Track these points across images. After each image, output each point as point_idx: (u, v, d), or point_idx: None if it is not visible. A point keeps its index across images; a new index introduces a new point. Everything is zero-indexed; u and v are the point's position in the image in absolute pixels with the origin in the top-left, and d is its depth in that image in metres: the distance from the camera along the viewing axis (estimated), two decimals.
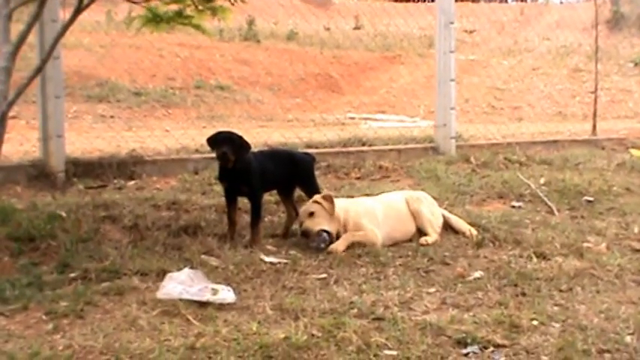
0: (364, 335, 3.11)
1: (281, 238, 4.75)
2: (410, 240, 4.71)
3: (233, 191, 4.64)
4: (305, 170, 4.95)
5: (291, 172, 4.87)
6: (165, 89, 12.25)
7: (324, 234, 4.46)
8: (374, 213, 4.66)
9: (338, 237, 4.53)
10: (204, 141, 4.65)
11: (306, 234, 4.49)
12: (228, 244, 4.43)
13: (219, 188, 4.92)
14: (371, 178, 6.48)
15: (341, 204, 4.63)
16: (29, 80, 4.22)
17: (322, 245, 4.43)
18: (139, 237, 4.53)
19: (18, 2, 4.21)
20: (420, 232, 4.78)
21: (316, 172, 5.22)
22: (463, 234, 4.82)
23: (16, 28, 4.12)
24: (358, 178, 6.47)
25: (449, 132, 7.50)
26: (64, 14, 5.34)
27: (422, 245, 4.58)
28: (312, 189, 4.88)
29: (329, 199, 4.53)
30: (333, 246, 4.40)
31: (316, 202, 4.51)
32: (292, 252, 4.40)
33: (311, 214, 4.49)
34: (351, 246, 4.43)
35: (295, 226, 4.82)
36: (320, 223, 4.48)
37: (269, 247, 4.51)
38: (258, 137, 6.98)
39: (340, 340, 3.05)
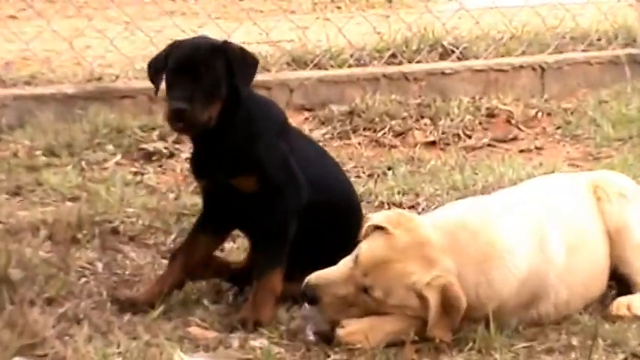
0: None
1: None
2: None
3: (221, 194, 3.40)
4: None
5: None
6: None
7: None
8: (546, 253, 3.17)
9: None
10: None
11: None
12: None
13: None
14: (463, 145, 4.65)
15: (443, 222, 3.17)
16: None
17: (311, 337, 3.19)
18: None
19: None
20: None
21: (325, 129, 4.36)
22: None
23: None
24: (432, 145, 4.63)
25: None
26: None
27: (607, 319, 3.16)
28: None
29: (404, 222, 3.14)
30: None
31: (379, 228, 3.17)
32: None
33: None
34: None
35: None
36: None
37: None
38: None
39: None
